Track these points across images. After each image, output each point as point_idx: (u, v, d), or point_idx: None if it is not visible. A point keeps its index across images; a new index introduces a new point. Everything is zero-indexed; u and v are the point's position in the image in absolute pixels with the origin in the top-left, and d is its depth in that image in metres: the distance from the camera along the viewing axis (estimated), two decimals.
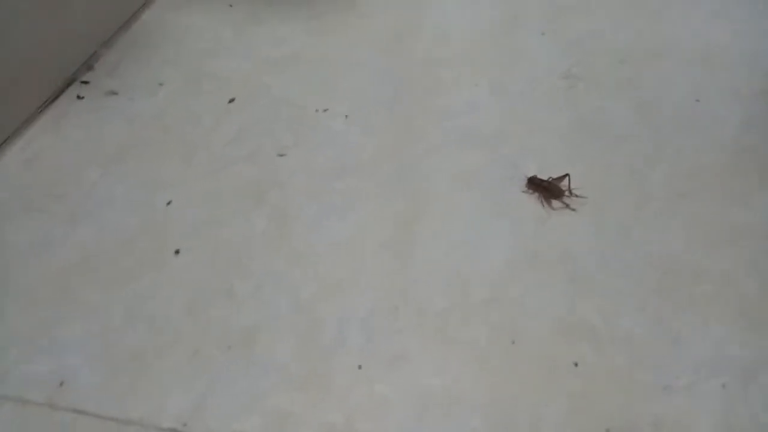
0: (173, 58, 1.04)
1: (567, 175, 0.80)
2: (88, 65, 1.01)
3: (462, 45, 1.05)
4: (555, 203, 0.78)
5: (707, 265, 0.71)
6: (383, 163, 0.85)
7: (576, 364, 0.63)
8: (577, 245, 0.74)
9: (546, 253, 0.73)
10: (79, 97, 0.96)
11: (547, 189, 0.79)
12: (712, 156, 0.84)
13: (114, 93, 0.98)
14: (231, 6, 1.15)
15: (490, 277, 0.71)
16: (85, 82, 0.99)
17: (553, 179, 0.80)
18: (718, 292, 0.69)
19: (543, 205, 0.79)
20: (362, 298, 0.69)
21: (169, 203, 0.81)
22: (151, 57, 1.04)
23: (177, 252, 0.75)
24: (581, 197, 0.78)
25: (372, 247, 0.75)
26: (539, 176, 0.80)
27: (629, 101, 0.93)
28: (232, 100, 0.96)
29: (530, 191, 0.80)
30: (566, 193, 0.79)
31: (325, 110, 0.93)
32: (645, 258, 0.72)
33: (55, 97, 0.96)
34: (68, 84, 0.98)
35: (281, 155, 0.87)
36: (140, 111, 0.94)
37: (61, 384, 0.62)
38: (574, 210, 0.78)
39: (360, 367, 0.63)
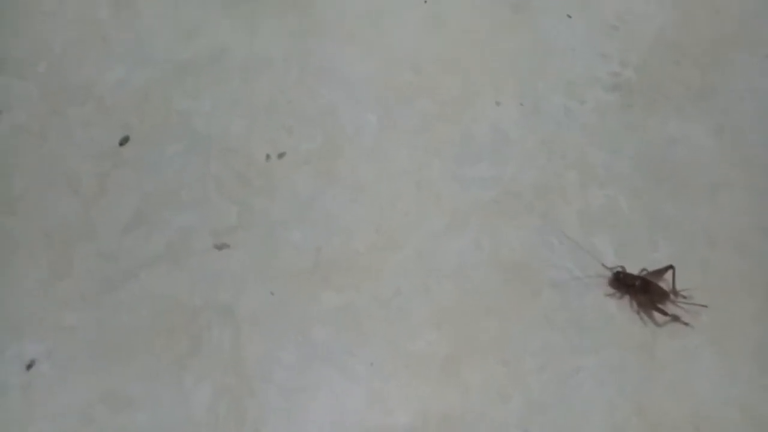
0: (8, 51, 0.64)
1: (670, 267, 0.53)
2: None
3: (464, 34, 0.73)
4: (659, 316, 0.52)
5: None
6: (389, 253, 0.54)
7: None
8: (707, 391, 0.49)
9: (668, 411, 0.48)
10: None
11: (644, 292, 0.53)
12: None
13: None
14: None
15: None
16: None
17: (649, 274, 0.54)
18: None
19: (640, 318, 0.52)
20: None
21: (30, 366, 0.46)
22: None
23: None
24: (695, 304, 0.53)
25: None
26: (627, 270, 0.54)
27: (705, 126, 0.66)
28: (125, 141, 0.59)
29: (617, 294, 0.53)
30: (671, 296, 0.53)
31: (280, 155, 0.60)
32: None
33: None
34: None
35: (221, 247, 0.53)
36: None
37: None
38: (687, 324, 0.52)
39: None
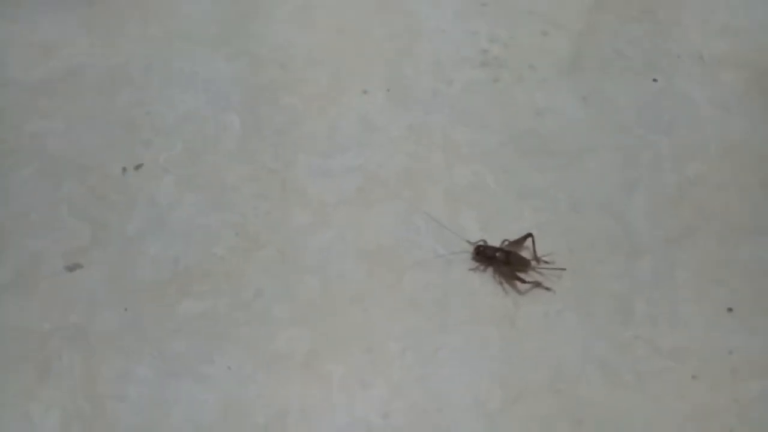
0: None
1: (529, 235, 0.54)
2: None
3: (334, 24, 0.72)
4: (521, 285, 0.52)
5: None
6: (250, 255, 0.53)
7: None
8: (568, 353, 0.49)
9: (530, 378, 0.48)
10: None
11: (505, 262, 0.53)
12: (697, 164, 0.62)
13: None
14: None
15: None
16: None
17: (510, 243, 0.54)
18: None
19: (503, 288, 0.53)
20: None
21: None
22: None
23: None
24: (554, 268, 0.53)
25: None
26: (488, 242, 0.54)
27: (573, 94, 0.67)
28: None
29: (480, 268, 0.54)
30: (533, 263, 0.54)
31: (137, 167, 0.58)
32: (672, 369, 0.49)
33: None
34: None
35: (73, 268, 0.52)
36: None
37: None
38: (548, 289, 0.53)
39: None
